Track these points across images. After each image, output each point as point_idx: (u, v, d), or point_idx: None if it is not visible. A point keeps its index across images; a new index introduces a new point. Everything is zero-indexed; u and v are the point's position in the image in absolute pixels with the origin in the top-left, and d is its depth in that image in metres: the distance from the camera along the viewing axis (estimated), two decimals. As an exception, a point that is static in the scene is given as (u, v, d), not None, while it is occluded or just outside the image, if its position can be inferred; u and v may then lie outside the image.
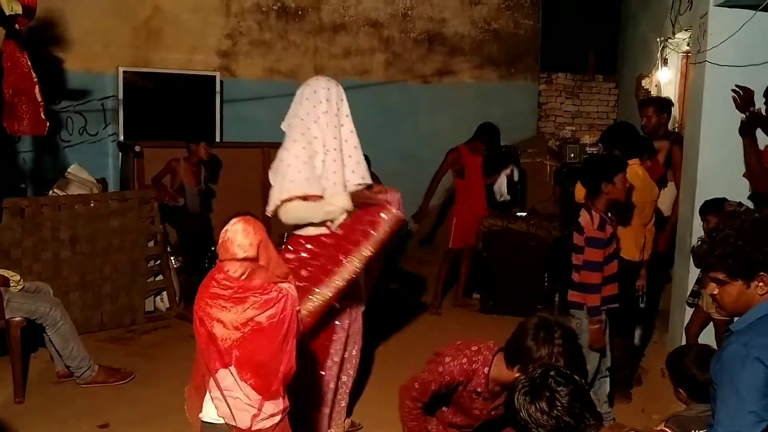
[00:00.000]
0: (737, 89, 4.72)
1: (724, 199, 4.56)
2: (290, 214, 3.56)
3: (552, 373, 2.04)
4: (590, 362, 3.86)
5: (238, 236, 2.68)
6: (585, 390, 2.07)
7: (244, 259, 2.67)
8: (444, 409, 3.26)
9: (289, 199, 3.52)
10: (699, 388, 2.88)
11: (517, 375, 2.72)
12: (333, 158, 3.58)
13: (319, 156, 3.55)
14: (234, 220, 2.73)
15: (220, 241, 2.73)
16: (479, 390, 3.03)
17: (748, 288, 2.26)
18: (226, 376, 2.69)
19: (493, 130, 6.52)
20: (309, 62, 8.39)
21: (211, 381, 2.74)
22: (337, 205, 3.56)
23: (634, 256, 4.46)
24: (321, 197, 3.55)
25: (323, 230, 3.63)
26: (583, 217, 3.89)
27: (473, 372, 3.01)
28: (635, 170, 4.39)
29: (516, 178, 6.96)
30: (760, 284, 2.26)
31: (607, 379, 4.08)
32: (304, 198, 3.53)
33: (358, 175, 3.68)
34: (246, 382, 2.69)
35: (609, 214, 3.96)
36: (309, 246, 3.62)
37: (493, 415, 3.16)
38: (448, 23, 8.92)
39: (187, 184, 6.30)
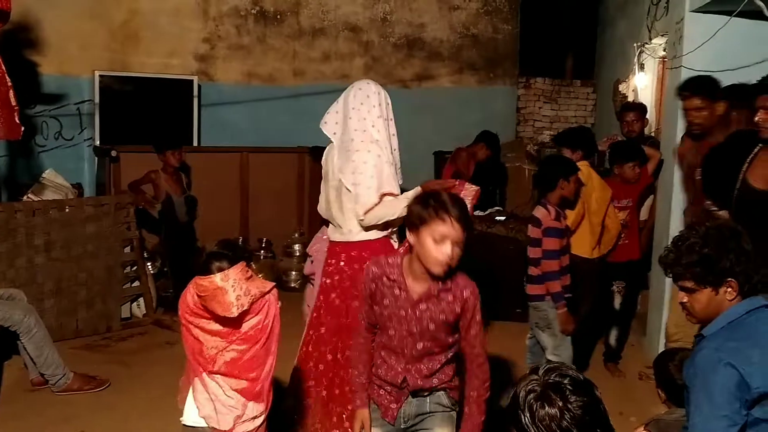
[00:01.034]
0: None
1: None
2: (379, 212, 3.46)
3: (567, 381, 1.85)
4: (565, 350, 4.06)
5: (218, 295, 2.56)
6: (598, 402, 1.87)
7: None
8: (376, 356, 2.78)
9: (381, 198, 3.48)
10: (679, 392, 2.90)
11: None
12: (390, 161, 3.57)
13: (383, 158, 3.52)
14: (212, 277, 2.57)
15: (200, 292, 2.59)
16: (393, 277, 2.56)
17: (717, 294, 2.29)
18: (211, 382, 2.68)
19: (498, 140, 6.61)
20: (288, 66, 8.38)
21: (196, 382, 2.72)
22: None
23: (587, 253, 4.69)
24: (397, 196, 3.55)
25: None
26: (539, 211, 4.11)
27: (386, 264, 2.63)
28: (588, 171, 4.71)
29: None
30: (729, 290, 2.28)
31: None
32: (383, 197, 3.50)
33: (400, 177, 3.68)
34: (231, 388, 2.69)
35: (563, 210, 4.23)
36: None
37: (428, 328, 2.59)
38: (427, 28, 8.95)
39: (172, 195, 6.25)
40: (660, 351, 4.46)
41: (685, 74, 4.99)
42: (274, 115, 8.14)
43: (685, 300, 2.36)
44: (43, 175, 6.28)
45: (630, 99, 6.81)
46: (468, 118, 8.55)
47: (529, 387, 1.84)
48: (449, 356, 2.65)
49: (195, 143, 7.65)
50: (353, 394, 2.84)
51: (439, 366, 2.63)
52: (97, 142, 7.22)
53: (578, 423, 1.80)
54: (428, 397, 2.66)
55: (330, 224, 3.73)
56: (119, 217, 5.94)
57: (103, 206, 5.90)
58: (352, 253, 3.58)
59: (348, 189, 3.48)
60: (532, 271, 4.12)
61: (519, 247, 6.36)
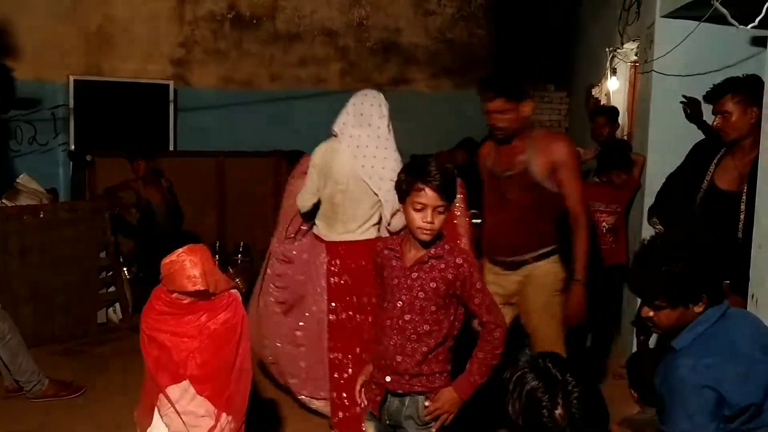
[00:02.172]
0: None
1: None
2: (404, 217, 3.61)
3: (569, 377, 1.79)
4: None
5: (186, 268, 2.60)
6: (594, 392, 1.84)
7: (195, 292, 2.62)
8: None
9: None
10: (651, 393, 2.93)
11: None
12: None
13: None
14: (179, 252, 2.63)
15: (164, 271, 2.63)
16: (392, 246, 2.67)
17: (687, 309, 2.26)
18: (177, 391, 2.64)
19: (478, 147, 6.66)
20: (264, 71, 8.36)
21: (161, 399, 2.68)
22: None
23: None
24: None
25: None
26: None
27: (389, 238, 2.83)
28: None
29: None
30: (700, 303, 2.26)
31: None
32: None
33: None
34: (201, 395, 2.66)
35: None
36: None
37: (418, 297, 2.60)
38: (403, 33, 8.98)
39: (153, 202, 6.21)
40: (633, 350, 4.53)
41: (656, 78, 5.07)
42: (251, 120, 8.11)
43: (651, 314, 2.30)
44: (18, 180, 6.20)
45: (602, 103, 6.87)
46: (444, 122, 8.58)
47: (529, 374, 1.80)
48: (437, 343, 2.59)
49: (171, 148, 7.61)
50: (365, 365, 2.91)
51: (426, 351, 2.57)
52: (72, 147, 7.16)
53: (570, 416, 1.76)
54: (407, 399, 2.61)
55: (324, 225, 3.83)
56: (95, 222, 5.90)
57: (79, 211, 5.86)
58: (358, 250, 3.71)
59: (375, 193, 3.67)
60: None
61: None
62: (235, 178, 7.62)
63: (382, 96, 3.89)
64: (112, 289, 6.07)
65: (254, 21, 8.31)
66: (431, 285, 2.56)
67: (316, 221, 3.90)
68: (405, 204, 2.56)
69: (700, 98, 4.78)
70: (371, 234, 3.76)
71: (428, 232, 2.52)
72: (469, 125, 8.29)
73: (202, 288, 2.60)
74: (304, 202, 3.86)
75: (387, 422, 2.67)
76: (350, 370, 3.73)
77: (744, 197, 3.30)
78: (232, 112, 8.03)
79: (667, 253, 2.24)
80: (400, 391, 2.62)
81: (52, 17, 7.27)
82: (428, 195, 2.48)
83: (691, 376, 2.15)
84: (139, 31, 7.73)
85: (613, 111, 5.84)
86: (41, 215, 5.65)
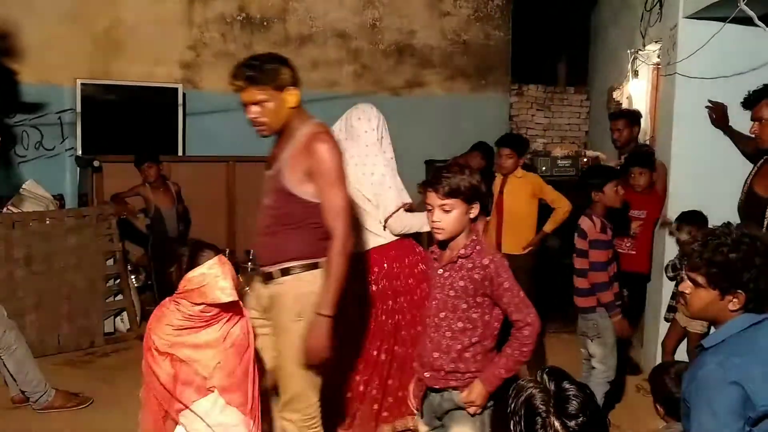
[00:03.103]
0: (711, 105, 4.86)
1: (699, 213, 4.68)
2: (404, 221, 3.94)
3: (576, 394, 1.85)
4: (612, 359, 4.14)
5: (219, 280, 2.61)
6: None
7: (229, 303, 2.64)
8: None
9: (402, 207, 3.94)
10: (677, 406, 2.91)
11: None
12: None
13: (394, 169, 4.08)
14: (208, 264, 2.63)
15: (194, 285, 2.60)
16: (432, 249, 2.90)
17: (721, 300, 2.28)
18: (206, 404, 2.64)
19: (493, 151, 6.71)
20: (275, 74, 8.37)
21: (186, 415, 2.67)
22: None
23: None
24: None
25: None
26: (585, 223, 4.16)
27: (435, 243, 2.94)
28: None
29: None
30: (734, 300, 2.27)
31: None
32: (408, 209, 4.00)
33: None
34: (231, 405, 2.67)
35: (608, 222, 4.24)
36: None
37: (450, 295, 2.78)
38: (417, 35, 8.98)
39: (162, 207, 6.23)
40: (657, 363, 4.50)
41: (679, 81, 5.05)
42: (261, 124, 8.12)
43: (687, 291, 2.36)
44: (23, 186, 6.26)
45: (624, 106, 6.86)
46: (460, 126, 8.58)
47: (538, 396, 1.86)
48: (472, 342, 2.75)
49: (180, 153, 7.64)
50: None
51: (460, 348, 2.74)
52: (79, 152, 7.21)
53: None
54: (444, 394, 2.80)
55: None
56: (102, 228, 5.93)
57: (85, 218, 5.89)
58: (390, 253, 3.98)
59: (368, 199, 3.90)
60: (580, 282, 4.17)
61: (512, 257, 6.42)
62: (246, 183, 7.63)
63: (373, 109, 4.08)
64: (119, 297, 6.10)
65: (265, 23, 8.35)
66: (460, 284, 2.75)
67: None
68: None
69: (725, 102, 4.80)
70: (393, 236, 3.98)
71: (439, 230, 2.74)
72: (486, 129, 8.30)
73: (235, 299, 2.62)
74: None
75: (431, 416, 2.88)
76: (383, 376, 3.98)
77: None
78: (242, 116, 7.91)
79: (735, 237, 2.28)
80: (437, 387, 2.82)
81: (59, 19, 7.33)
82: (430, 195, 2.73)
83: (718, 372, 2.17)
84: (147, 33, 7.77)
85: (633, 114, 5.83)
86: (47, 222, 5.69)
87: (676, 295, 4.85)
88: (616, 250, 4.88)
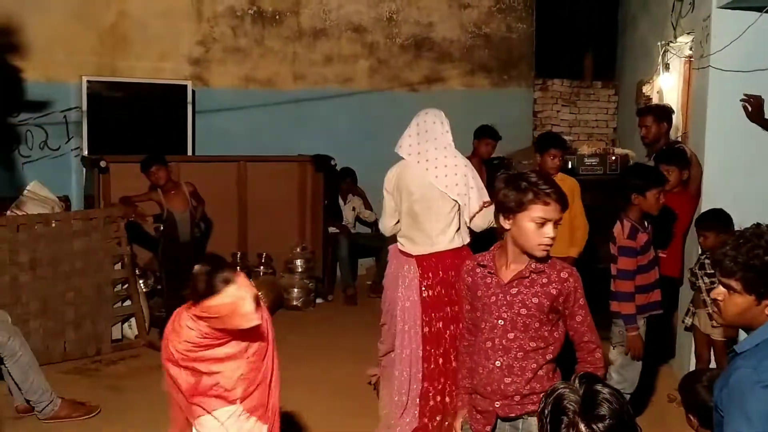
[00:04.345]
0: (747, 98, 4.82)
1: (721, 211, 4.64)
2: (488, 217, 4.18)
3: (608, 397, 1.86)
4: (632, 371, 4.14)
5: (239, 306, 2.57)
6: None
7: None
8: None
9: (484, 205, 4.25)
10: (710, 416, 2.89)
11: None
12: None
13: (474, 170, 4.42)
14: (227, 291, 2.57)
15: (214, 314, 2.58)
16: (484, 263, 2.75)
17: (758, 305, 2.27)
18: (225, 414, 2.68)
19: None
20: (287, 70, 8.42)
21: (203, 423, 2.70)
22: None
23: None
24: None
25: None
26: (616, 228, 4.15)
27: (479, 255, 2.86)
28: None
29: None
30: None
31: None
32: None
33: None
34: (250, 412, 2.71)
35: (646, 223, 4.18)
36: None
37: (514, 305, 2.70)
38: (436, 27, 8.97)
39: (175, 211, 6.21)
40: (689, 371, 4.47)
41: (713, 74, 5.02)
42: (274, 122, 8.17)
43: (720, 298, 2.33)
44: (28, 187, 6.30)
45: (654, 101, 6.82)
46: (481, 123, 8.56)
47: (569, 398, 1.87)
48: (546, 360, 2.67)
49: (189, 152, 7.68)
50: (458, 396, 3.03)
51: (535, 368, 2.65)
52: (85, 152, 7.26)
53: None
54: (519, 422, 2.68)
55: (407, 241, 4.33)
56: (109, 231, 5.97)
57: (92, 220, 5.94)
58: (447, 261, 4.21)
59: (454, 199, 4.20)
60: (612, 286, 4.17)
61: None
62: (257, 184, 7.67)
63: (442, 113, 4.46)
64: (127, 303, 6.14)
65: (277, 17, 8.38)
66: (533, 300, 2.64)
67: (399, 240, 4.40)
68: (515, 218, 2.60)
69: (762, 95, 4.76)
70: (457, 243, 4.26)
71: (549, 247, 2.60)
72: (508, 126, 8.28)
73: (258, 323, 2.62)
74: (387, 224, 4.42)
75: None
76: (441, 381, 4.18)
77: None
78: (253, 113, 8.09)
79: (766, 239, 2.26)
80: (512, 415, 2.68)
81: (63, 14, 7.39)
82: (551, 209, 2.55)
83: (751, 375, 2.16)
84: (155, 28, 7.82)
85: (662, 110, 5.77)
86: (53, 224, 5.74)
87: (694, 299, 4.85)
88: None
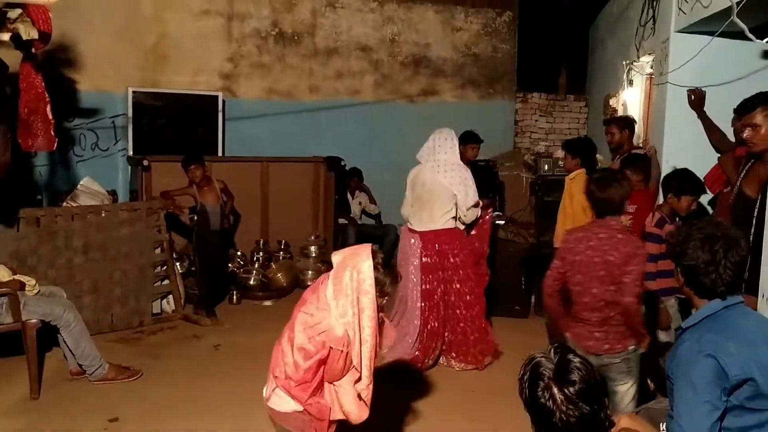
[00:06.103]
0: (692, 89, 4.81)
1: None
2: (476, 212, 5.11)
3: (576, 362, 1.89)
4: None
5: (335, 360, 2.78)
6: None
7: None
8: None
9: (476, 203, 5.07)
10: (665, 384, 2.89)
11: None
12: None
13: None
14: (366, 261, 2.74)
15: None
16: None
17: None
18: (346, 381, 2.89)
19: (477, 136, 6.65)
20: (304, 83, 8.39)
21: (344, 384, 2.87)
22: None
23: None
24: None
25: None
26: (647, 217, 4.25)
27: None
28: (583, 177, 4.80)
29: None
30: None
31: None
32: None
33: None
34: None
35: (677, 219, 4.19)
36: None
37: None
38: (432, 48, 8.94)
39: (207, 205, 6.13)
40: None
41: (670, 90, 5.00)
42: (292, 128, 8.15)
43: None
44: (81, 182, 6.30)
45: (619, 113, 6.79)
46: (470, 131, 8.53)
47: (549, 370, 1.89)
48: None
49: (219, 154, 7.66)
50: (558, 323, 3.53)
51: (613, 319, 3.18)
52: (131, 153, 7.24)
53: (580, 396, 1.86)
54: (603, 357, 3.17)
55: (415, 220, 5.06)
56: (151, 221, 5.96)
57: (136, 211, 5.92)
58: (442, 238, 4.98)
59: (455, 194, 4.96)
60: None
61: (517, 249, 6.39)
62: (278, 181, 7.66)
63: (452, 132, 5.15)
64: (165, 282, 6.13)
65: (296, 37, 8.35)
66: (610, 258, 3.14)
67: (410, 220, 5.13)
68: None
69: (714, 110, 4.74)
70: (450, 224, 5.01)
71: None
72: (494, 133, 8.26)
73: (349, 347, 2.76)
74: (406, 210, 5.17)
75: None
76: (435, 324, 4.97)
77: (758, 203, 3.27)
78: (275, 121, 8.07)
79: (705, 233, 2.26)
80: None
81: (112, 35, 7.36)
82: None
83: (694, 346, 2.17)
84: (190, 47, 7.80)
85: (625, 119, 5.74)
86: (102, 214, 5.72)
87: None
88: None
